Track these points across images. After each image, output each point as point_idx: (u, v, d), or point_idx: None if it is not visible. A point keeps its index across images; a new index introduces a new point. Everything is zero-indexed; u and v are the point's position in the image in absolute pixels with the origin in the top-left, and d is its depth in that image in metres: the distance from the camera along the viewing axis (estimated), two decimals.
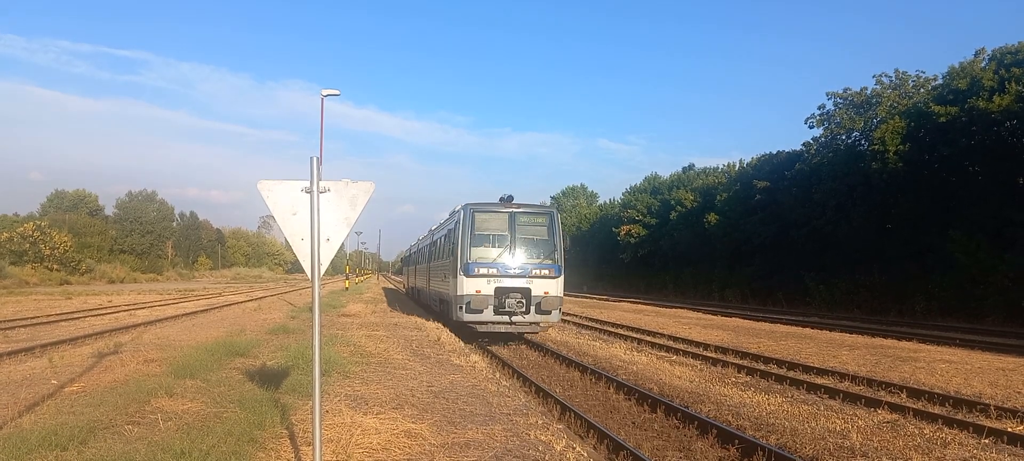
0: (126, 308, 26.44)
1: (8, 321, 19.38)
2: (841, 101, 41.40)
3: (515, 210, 16.64)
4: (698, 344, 17.22)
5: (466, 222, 16.39)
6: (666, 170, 72.33)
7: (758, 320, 26.19)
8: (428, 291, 25.91)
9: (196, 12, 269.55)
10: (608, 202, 79.02)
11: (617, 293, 53.77)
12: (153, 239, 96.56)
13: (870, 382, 11.53)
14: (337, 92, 25.96)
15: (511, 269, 16.09)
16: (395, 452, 6.00)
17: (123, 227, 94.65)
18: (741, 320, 25.85)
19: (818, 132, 41.90)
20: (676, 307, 35.63)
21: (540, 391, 10.79)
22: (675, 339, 18.64)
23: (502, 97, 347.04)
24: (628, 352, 15.66)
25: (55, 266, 63.80)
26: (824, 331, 21.16)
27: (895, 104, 37.70)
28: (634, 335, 19.97)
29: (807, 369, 13.05)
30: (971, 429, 8.22)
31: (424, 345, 14.12)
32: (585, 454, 6.37)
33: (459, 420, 7.29)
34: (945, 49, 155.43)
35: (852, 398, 10.25)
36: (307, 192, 4.73)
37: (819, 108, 42.31)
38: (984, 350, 16.34)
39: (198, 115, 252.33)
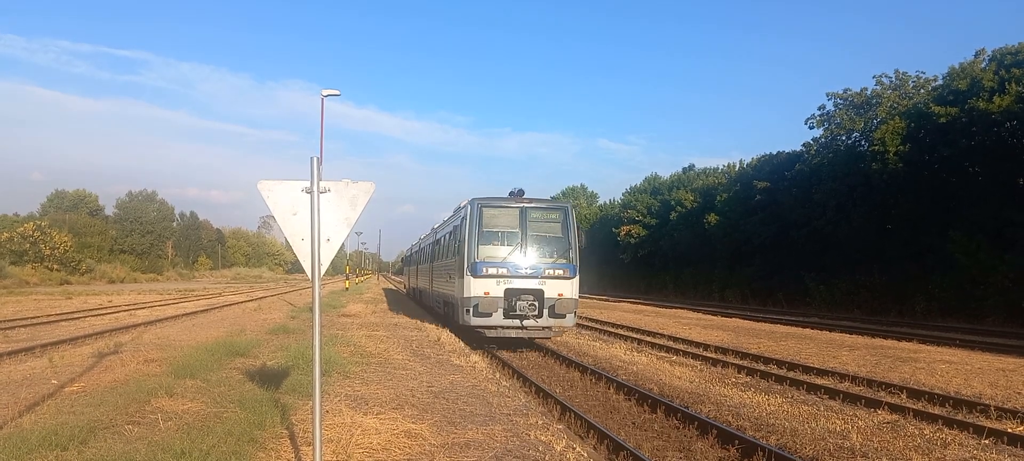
0: (126, 308, 26.44)
1: (8, 321, 19.39)
2: (841, 102, 41.44)
3: (526, 205, 15.56)
4: (698, 344, 17.22)
5: (473, 218, 15.30)
6: (666, 170, 72.47)
7: (758, 320, 26.19)
8: (431, 292, 24.57)
9: (196, 12, 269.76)
10: (608, 202, 79.12)
11: (617, 293, 53.77)
12: (153, 239, 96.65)
13: (870, 383, 11.53)
14: (337, 92, 25.97)
15: (522, 269, 15.00)
16: (395, 452, 6.00)
17: (123, 227, 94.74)
18: (741, 320, 25.86)
19: (818, 132, 42.00)
20: (676, 307, 35.63)
21: (540, 391, 10.78)
22: (675, 339, 18.64)
23: (502, 97, 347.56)
24: (628, 352, 15.66)
25: (55, 266, 63.84)
26: (824, 331, 21.16)
27: (895, 105, 37.72)
28: (634, 335, 19.97)
29: (807, 369, 13.06)
30: (971, 430, 8.22)
31: (424, 345, 14.11)
32: (585, 454, 6.37)
33: (459, 420, 7.29)
34: (945, 49, 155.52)
35: (852, 398, 10.25)
36: (307, 192, 4.73)
37: (819, 109, 42.39)
38: (984, 351, 16.33)
39: (198, 115, 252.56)
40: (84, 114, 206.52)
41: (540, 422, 7.38)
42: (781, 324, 24.50)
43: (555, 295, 14.97)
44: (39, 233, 65.06)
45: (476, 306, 14.77)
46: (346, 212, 4.86)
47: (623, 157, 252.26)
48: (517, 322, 14.96)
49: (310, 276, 4.78)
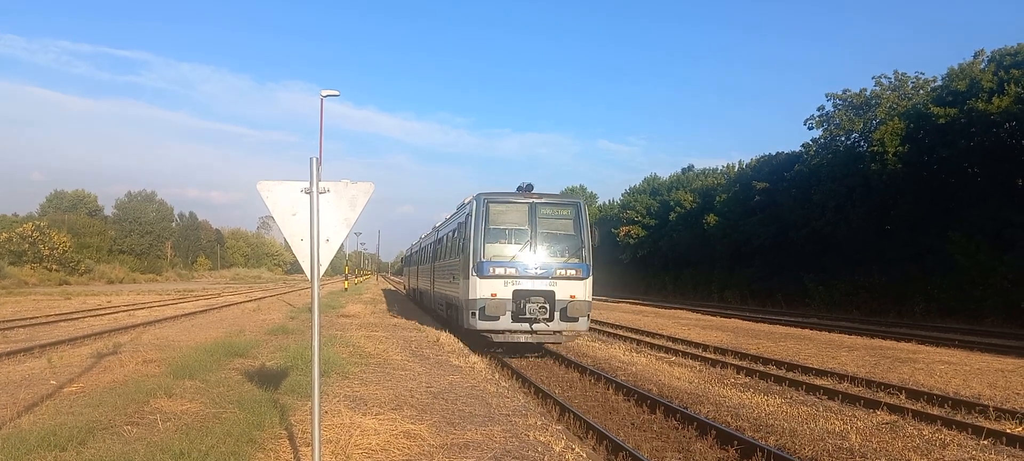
0: (125, 308, 26.42)
1: (7, 321, 19.36)
2: (840, 102, 41.49)
3: (536, 201, 14.59)
4: (697, 345, 17.24)
5: (479, 215, 14.33)
6: (666, 171, 72.59)
7: (757, 321, 26.22)
8: (432, 293, 23.36)
9: (196, 12, 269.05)
10: (608, 203, 79.10)
11: (616, 294, 53.78)
12: (152, 239, 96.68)
13: (869, 383, 11.54)
14: (337, 93, 25.94)
15: (532, 269, 14.03)
16: (394, 453, 6.00)
17: (122, 227, 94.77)
18: (740, 321, 25.88)
19: (817, 133, 42.06)
20: (675, 308, 35.66)
21: (539, 392, 10.78)
22: (674, 340, 18.66)
23: (502, 98, 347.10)
24: (627, 353, 15.66)
25: (54, 266, 63.79)
26: (823, 332, 21.18)
27: (894, 105, 37.75)
28: (633, 336, 19.98)
29: (806, 370, 13.07)
30: (970, 430, 8.23)
31: (423, 346, 14.10)
32: (584, 455, 6.37)
33: (458, 421, 7.30)
34: (944, 50, 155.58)
35: (851, 399, 10.27)
36: (307, 193, 4.73)
37: (818, 109, 42.46)
38: (983, 351, 16.35)
39: (198, 116, 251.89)
40: (84, 114, 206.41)
41: (539, 423, 7.38)
42: (780, 325, 24.52)
43: (567, 297, 13.98)
44: (38, 233, 65.01)
45: (482, 309, 13.82)
46: (345, 213, 4.86)
47: (623, 158, 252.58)
48: (526, 326, 14.00)
49: (309, 276, 4.77)
